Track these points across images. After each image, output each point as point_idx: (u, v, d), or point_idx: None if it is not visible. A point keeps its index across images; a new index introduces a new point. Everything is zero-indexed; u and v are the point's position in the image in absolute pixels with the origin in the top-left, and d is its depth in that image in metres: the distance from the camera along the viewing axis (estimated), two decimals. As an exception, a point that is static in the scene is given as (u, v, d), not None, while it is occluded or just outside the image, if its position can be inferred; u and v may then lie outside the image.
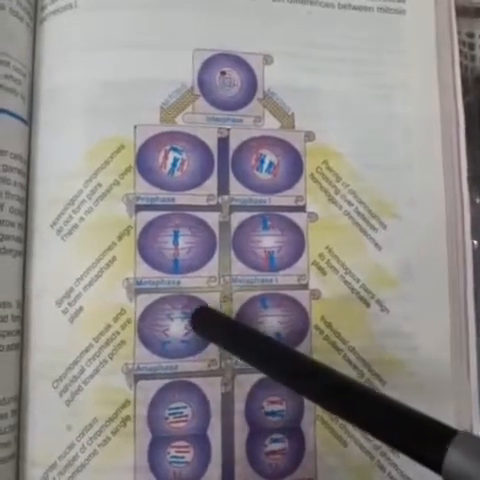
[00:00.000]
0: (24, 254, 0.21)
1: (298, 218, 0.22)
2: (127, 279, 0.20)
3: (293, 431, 0.21)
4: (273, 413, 0.21)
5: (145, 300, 0.21)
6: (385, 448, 0.21)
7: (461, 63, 0.24)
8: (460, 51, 0.24)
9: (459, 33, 0.24)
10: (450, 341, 0.22)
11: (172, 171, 0.21)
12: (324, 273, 0.22)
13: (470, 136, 0.23)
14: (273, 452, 0.21)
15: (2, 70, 0.20)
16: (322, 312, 0.22)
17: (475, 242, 0.23)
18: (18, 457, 0.20)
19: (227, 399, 0.21)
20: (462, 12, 0.25)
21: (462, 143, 0.23)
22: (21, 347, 0.20)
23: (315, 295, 0.22)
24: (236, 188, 0.22)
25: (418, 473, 0.21)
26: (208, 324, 0.20)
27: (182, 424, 0.20)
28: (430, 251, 0.23)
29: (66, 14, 0.21)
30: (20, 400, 0.20)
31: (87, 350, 0.20)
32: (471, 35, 0.27)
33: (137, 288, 0.20)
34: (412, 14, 0.24)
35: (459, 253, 0.23)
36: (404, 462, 0.21)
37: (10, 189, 0.20)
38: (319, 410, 0.21)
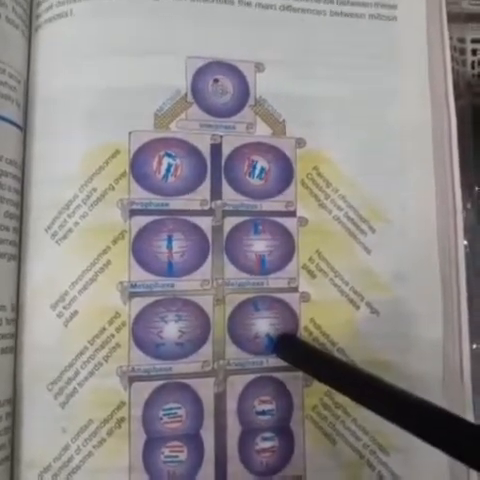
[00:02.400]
0: (19, 258, 0.21)
1: (288, 223, 0.22)
2: (121, 283, 0.21)
3: (283, 430, 0.21)
4: (263, 412, 0.21)
5: (139, 303, 0.21)
6: (374, 446, 0.22)
7: (452, 68, 0.24)
8: (451, 56, 0.24)
9: (450, 38, 0.24)
10: (443, 342, 0.23)
11: (166, 176, 0.22)
12: (313, 276, 0.22)
13: (462, 141, 0.23)
14: (263, 450, 0.21)
15: (-3, 77, 0.20)
16: (312, 314, 0.22)
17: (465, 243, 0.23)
18: (12, 459, 0.20)
19: (220, 399, 0.21)
20: (453, 17, 0.25)
21: (454, 148, 0.23)
22: (15, 350, 0.21)
23: (305, 298, 0.22)
24: (228, 193, 0.22)
25: (407, 471, 0.22)
26: (293, 350, 0.21)
27: (176, 424, 0.21)
28: (421, 255, 0.23)
29: (61, 22, 0.21)
30: (14, 403, 0.20)
31: (82, 353, 0.20)
32: (462, 40, 0.27)
33: (131, 291, 0.21)
34: (404, 20, 0.24)
35: (451, 258, 0.23)
36: (393, 460, 0.22)
37: (5, 194, 0.20)
38: (308, 409, 0.22)
